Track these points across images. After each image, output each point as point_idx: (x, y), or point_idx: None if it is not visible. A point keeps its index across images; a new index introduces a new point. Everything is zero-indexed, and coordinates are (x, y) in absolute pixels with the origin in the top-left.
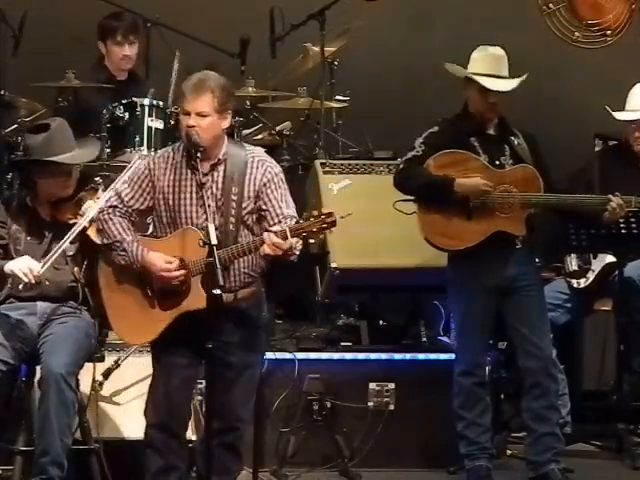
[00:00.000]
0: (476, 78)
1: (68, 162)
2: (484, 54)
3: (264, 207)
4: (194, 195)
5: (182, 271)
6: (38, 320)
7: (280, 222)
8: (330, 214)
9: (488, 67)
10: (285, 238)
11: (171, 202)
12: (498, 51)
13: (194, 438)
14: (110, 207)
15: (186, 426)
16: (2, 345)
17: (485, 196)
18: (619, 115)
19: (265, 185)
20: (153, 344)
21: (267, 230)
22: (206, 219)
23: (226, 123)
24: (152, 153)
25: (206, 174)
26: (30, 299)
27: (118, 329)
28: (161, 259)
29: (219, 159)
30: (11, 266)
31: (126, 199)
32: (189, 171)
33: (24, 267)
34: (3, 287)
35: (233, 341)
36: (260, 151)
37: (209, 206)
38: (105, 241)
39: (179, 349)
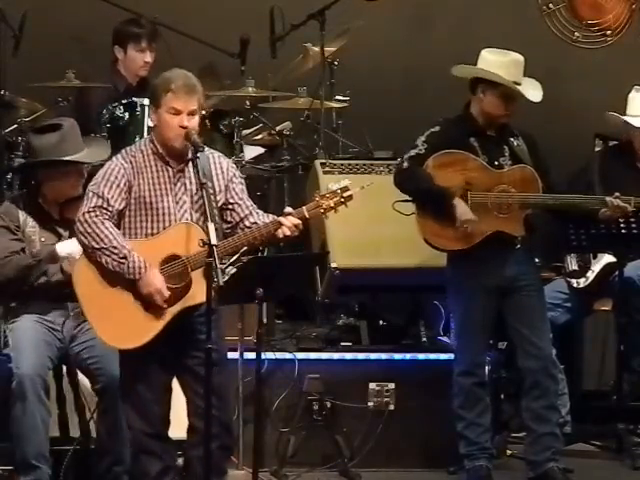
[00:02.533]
0: (516, 88)
1: (88, 160)
2: (508, 60)
3: (232, 200)
4: (169, 192)
5: (168, 294)
6: (71, 322)
7: (252, 214)
8: (346, 188)
9: (515, 74)
10: (303, 218)
11: (148, 200)
12: (519, 57)
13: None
14: (96, 207)
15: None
16: (48, 343)
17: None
18: (634, 121)
19: (232, 180)
20: (127, 352)
21: (283, 214)
22: (185, 215)
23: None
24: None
25: (180, 170)
26: (58, 299)
27: (104, 333)
28: (161, 281)
29: (190, 156)
30: (66, 249)
31: (111, 200)
32: (161, 168)
33: (81, 248)
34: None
35: (212, 337)
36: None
37: (185, 202)
38: (95, 245)
39: (154, 355)
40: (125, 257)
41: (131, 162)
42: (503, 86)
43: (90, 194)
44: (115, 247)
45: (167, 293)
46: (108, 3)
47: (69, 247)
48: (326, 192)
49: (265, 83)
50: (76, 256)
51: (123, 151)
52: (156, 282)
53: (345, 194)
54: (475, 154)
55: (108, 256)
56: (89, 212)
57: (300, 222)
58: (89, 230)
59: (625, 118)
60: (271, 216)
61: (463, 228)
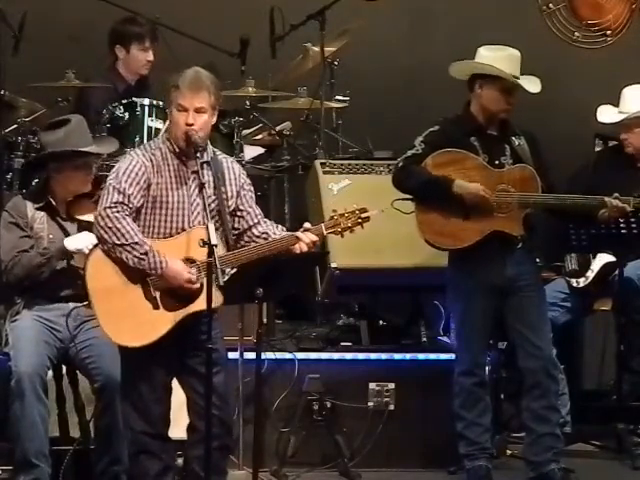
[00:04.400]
0: (514, 79)
1: (97, 151)
2: (505, 54)
3: (242, 207)
4: (185, 192)
5: (200, 282)
6: (73, 322)
7: (260, 222)
8: (364, 209)
9: (513, 68)
10: (320, 235)
11: (165, 199)
12: (515, 52)
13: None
14: (117, 203)
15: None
16: (48, 343)
17: (481, 203)
18: (601, 117)
19: (243, 187)
20: (128, 352)
21: (302, 229)
22: (198, 217)
23: (214, 120)
24: (137, 151)
25: (195, 172)
26: (62, 299)
27: (110, 329)
28: (185, 270)
29: (206, 159)
30: (74, 244)
31: (131, 197)
32: (178, 169)
33: (89, 243)
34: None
35: (212, 337)
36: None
37: (198, 204)
38: (116, 241)
39: (157, 355)
40: (146, 253)
41: (151, 160)
42: (501, 79)
43: (111, 188)
44: (137, 243)
45: (195, 279)
46: (108, 3)
47: (77, 242)
48: (345, 211)
49: (265, 83)
50: (85, 251)
51: (142, 147)
52: (182, 272)
53: (363, 215)
54: (476, 153)
55: (129, 252)
56: (110, 207)
57: (317, 239)
58: (110, 225)
59: (598, 115)
60: (280, 227)
61: (482, 198)
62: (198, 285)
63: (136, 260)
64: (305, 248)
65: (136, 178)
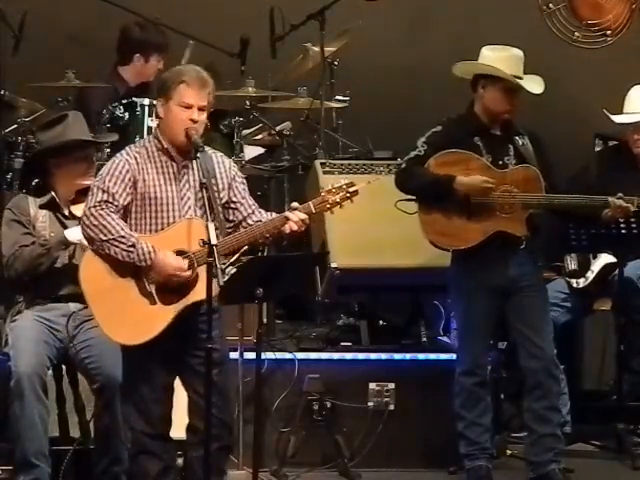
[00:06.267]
0: (516, 80)
1: (95, 140)
2: (507, 54)
3: (234, 199)
4: (174, 187)
5: (190, 270)
6: (72, 322)
7: (254, 212)
8: (351, 183)
9: (516, 69)
10: (309, 213)
11: (153, 195)
12: (518, 52)
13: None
14: (101, 202)
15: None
16: (47, 343)
17: (486, 194)
18: (617, 118)
19: (234, 179)
20: (129, 351)
21: (290, 208)
22: (189, 212)
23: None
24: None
25: (185, 166)
26: (61, 299)
27: (110, 329)
28: (175, 258)
29: (194, 153)
30: (75, 235)
31: (116, 195)
32: (166, 164)
33: None
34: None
35: (212, 336)
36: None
37: (189, 198)
38: (103, 237)
39: (157, 355)
40: (133, 245)
41: (136, 158)
42: (503, 80)
43: (95, 189)
44: (123, 237)
45: (186, 267)
46: (108, 3)
47: (78, 233)
48: (332, 187)
49: (265, 83)
50: (84, 242)
51: (127, 148)
52: (171, 262)
53: (351, 189)
54: (479, 153)
55: (116, 246)
56: (95, 206)
57: (307, 217)
58: (95, 223)
59: (611, 117)
60: (273, 213)
61: (484, 189)
62: (190, 273)
63: (125, 253)
64: (295, 227)
65: (120, 176)
